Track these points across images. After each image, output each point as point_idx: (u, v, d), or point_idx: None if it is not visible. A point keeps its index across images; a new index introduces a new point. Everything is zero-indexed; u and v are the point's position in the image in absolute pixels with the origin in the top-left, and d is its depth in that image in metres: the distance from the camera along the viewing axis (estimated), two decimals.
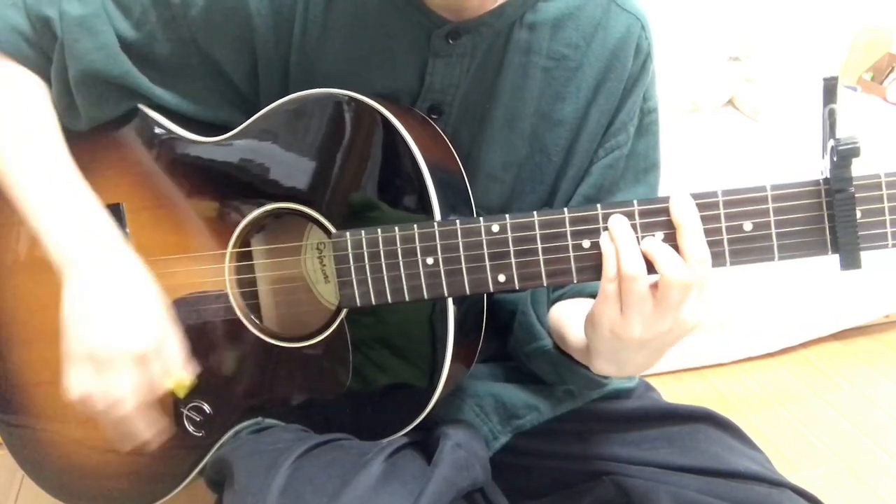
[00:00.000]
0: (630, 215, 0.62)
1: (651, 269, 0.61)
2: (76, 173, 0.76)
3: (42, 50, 0.76)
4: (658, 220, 0.62)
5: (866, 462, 1.61)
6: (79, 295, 0.71)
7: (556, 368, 0.79)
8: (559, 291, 0.83)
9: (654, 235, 0.62)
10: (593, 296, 0.65)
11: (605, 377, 0.77)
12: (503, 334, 0.90)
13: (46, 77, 0.78)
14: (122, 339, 0.70)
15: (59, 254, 0.72)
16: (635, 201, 0.62)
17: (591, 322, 0.65)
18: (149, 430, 0.74)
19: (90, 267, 0.72)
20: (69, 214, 0.73)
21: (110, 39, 0.75)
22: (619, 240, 0.61)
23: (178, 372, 0.74)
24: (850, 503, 1.52)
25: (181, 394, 0.76)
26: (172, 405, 0.80)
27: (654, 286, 0.60)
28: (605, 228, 0.62)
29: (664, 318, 0.60)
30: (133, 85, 0.77)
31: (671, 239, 0.61)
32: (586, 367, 0.75)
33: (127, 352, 0.70)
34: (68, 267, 0.72)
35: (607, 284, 0.62)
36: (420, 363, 0.72)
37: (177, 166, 0.79)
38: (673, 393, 1.83)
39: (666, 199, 0.61)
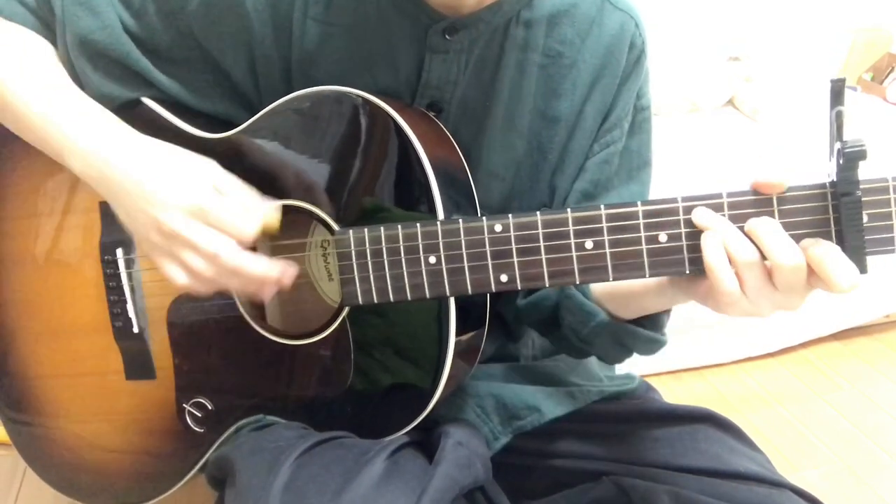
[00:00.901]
0: (634, 216, 0.62)
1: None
2: (92, 102, 0.76)
3: (46, 22, 0.78)
4: (666, 220, 0.62)
5: (866, 462, 1.61)
6: (117, 199, 0.70)
7: (621, 339, 0.77)
8: None
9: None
10: None
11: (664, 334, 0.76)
12: (505, 335, 0.90)
13: (54, 45, 0.79)
14: (176, 206, 0.66)
15: (101, 156, 0.70)
16: (639, 202, 0.62)
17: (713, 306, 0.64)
18: (272, 265, 0.69)
19: (132, 156, 0.70)
20: (98, 126, 0.73)
21: (113, 21, 0.75)
22: (718, 229, 0.59)
23: (255, 208, 0.68)
24: (850, 503, 1.52)
25: (274, 230, 0.70)
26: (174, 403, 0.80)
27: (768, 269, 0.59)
28: (609, 229, 0.62)
29: (792, 295, 0.60)
30: (135, 67, 0.77)
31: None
32: (650, 327, 0.74)
33: (188, 214, 0.66)
34: (110, 167, 0.70)
35: (723, 283, 0.59)
36: (422, 362, 0.72)
37: None
38: (673, 393, 1.83)
39: (671, 200, 0.61)
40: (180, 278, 0.69)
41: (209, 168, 0.71)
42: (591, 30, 0.78)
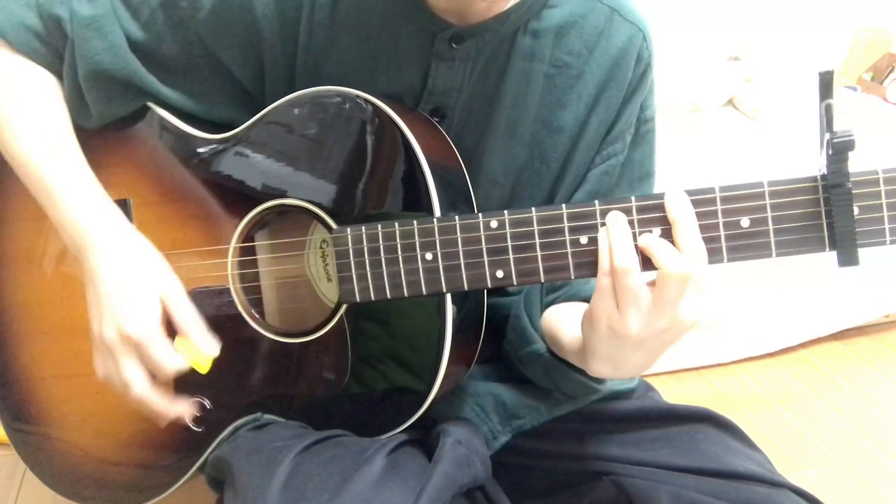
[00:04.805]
0: (627, 211, 0.62)
1: (649, 266, 0.61)
2: (85, 166, 0.78)
3: (54, 48, 0.78)
4: (654, 217, 0.62)
5: (866, 462, 1.61)
6: (91, 279, 0.74)
7: (549, 373, 0.79)
8: (553, 295, 0.83)
9: (651, 231, 0.62)
10: (587, 300, 0.65)
11: (599, 382, 0.77)
12: (502, 335, 0.90)
13: (59, 74, 0.79)
14: (115, 325, 0.72)
15: (78, 237, 0.74)
16: (633, 198, 0.62)
17: (588, 319, 0.65)
18: (171, 409, 0.75)
19: (101, 252, 0.74)
20: (82, 203, 0.75)
21: (119, 40, 0.76)
22: (613, 235, 0.61)
23: (193, 349, 0.74)
24: (850, 503, 1.52)
25: (203, 370, 0.75)
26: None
27: (652, 283, 0.61)
28: (603, 224, 0.63)
29: (662, 313, 0.60)
30: (140, 84, 0.78)
31: (667, 235, 0.61)
32: (579, 371, 0.75)
33: (120, 337, 0.71)
34: (84, 252, 0.74)
35: (602, 279, 0.62)
36: (419, 360, 0.72)
37: (184, 162, 0.80)
38: (673, 393, 1.83)
39: (661, 196, 0.61)
40: (98, 373, 0.75)
41: (173, 290, 0.75)
42: (599, 42, 0.78)
